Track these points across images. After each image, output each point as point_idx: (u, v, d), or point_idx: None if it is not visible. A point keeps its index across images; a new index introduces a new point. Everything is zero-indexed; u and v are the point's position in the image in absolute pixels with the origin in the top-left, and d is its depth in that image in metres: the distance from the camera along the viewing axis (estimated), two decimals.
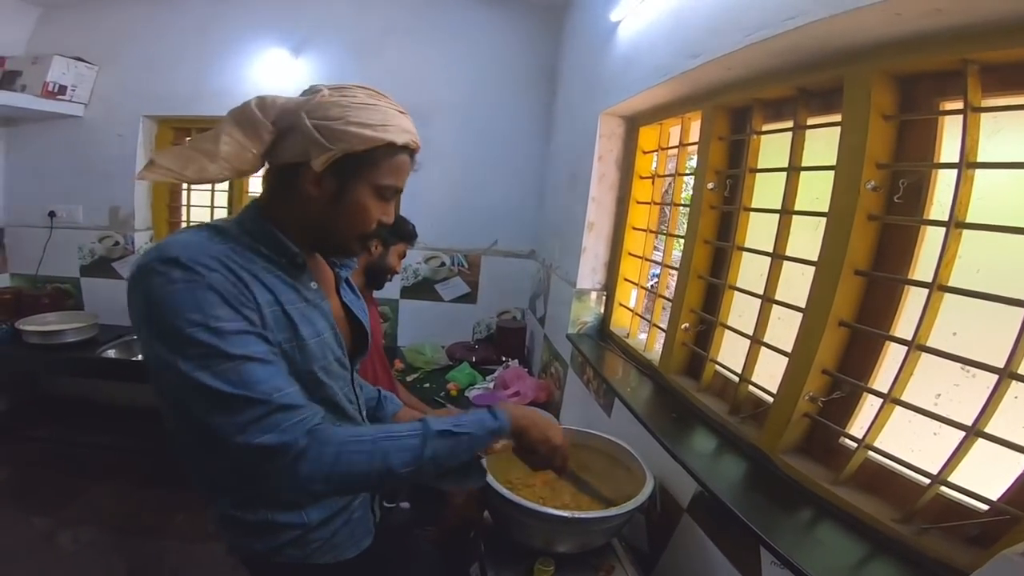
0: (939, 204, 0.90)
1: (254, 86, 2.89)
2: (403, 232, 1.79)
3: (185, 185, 3.16)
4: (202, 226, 0.85)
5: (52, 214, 2.99)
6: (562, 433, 0.97)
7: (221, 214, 3.16)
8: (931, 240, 0.91)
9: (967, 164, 0.82)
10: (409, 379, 2.56)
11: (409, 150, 0.91)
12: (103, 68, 2.90)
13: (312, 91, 0.85)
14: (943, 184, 0.89)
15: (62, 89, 2.75)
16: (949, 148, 0.89)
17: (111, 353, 2.84)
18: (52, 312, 2.91)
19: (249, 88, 2.88)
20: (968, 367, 0.81)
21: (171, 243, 0.76)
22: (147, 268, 0.73)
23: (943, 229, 0.84)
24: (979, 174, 0.82)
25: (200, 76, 2.89)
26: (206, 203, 3.16)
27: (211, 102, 2.90)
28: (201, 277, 0.73)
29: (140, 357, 2.97)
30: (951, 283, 0.84)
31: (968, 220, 0.83)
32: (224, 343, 0.72)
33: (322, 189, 0.84)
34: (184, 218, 3.22)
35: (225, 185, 3.12)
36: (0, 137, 2.96)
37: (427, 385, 2.49)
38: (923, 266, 0.92)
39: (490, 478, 1.10)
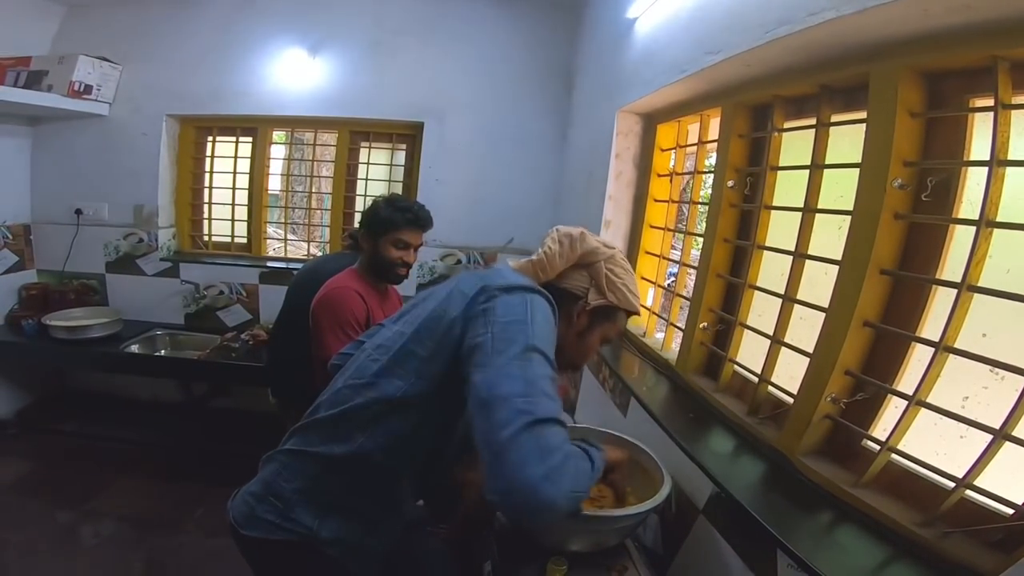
0: (969, 202, 0.88)
1: (273, 85, 2.93)
2: (383, 221, 1.71)
3: (206, 183, 3.21)
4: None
5: (78, 212, 3.06)
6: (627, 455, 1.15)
7: (241, 212, 3.21)
8: (960, 239, 0.89)
9: (998, 162, 0.80)
10: None
11: (633, 316, 1.11)
12: (127, 68, 2.97)
13: (611, 248, 1.06)
14: (972, 182, 0.87)
15: (87, 88, 2.81)
16: (979, 146, 0.87)
17: (135, 348, 2.90)
18: (78, 308, 2.98)
19: (268, 87, 2.92)
20: (997, 369, 0.79)
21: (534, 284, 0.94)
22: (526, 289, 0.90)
23: (972, 228, 0.82)
24: (1010, 172, 0.80)
25: (221, 75, 2.94)
26: (227, 201, 3.20)
27: (232, 101, 2.96)
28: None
29: (162, 352, 3.03)
30: (981, 283, 0.82)
31: (999, 219, 0.81)
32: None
33: (579, 321, 1.04)
34: (206, 216, 3.27)
35: (244, 183, 3.16)
36: (27, 136, 3.04)
37: None
38: (951, 266, 0.90)
39: None
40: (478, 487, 1.29)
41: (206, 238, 3.31)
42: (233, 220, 3.23)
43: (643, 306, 1.13)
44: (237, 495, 1.04)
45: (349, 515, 0.97)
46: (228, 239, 3.28)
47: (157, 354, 3.02)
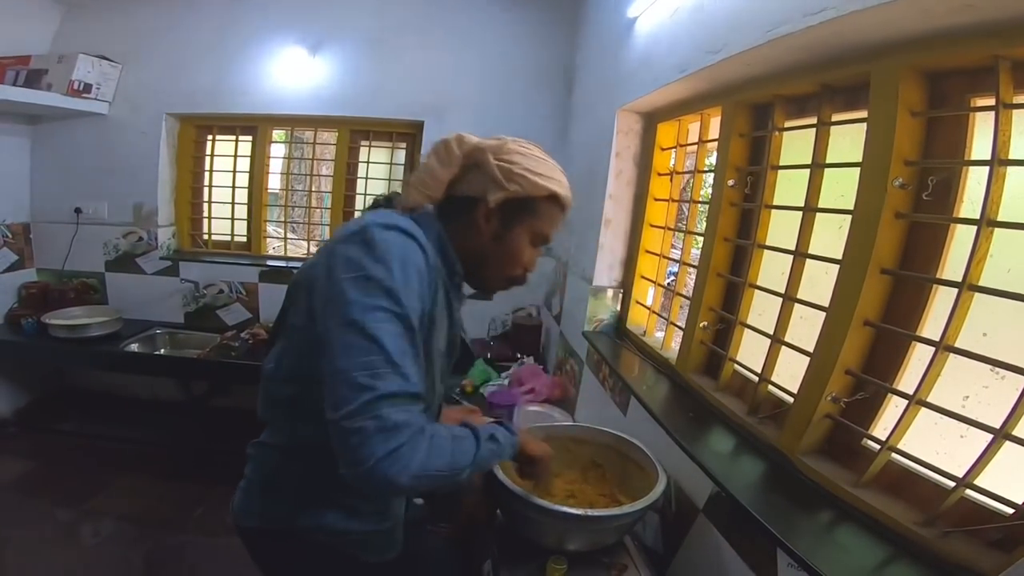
0: (970, 202, 0.88)
1: (273, 84, 2.93)
2: None
3: (206, 182, 3.21)
4: (392, 213, 0.90)
5: (78, 210, 3.06)
6: (548, 451, 1.10)
7: (240, 211, 3.20)
8: (960, 239, 0.89)
9: (999, 161, 0.80)
10: None
11: (563, 205, 0.98)
12: (127, 66, 2.96)
13: (499, 139, 0.94)
14: (973, 182, 0.87)
15: (87, 87, 2.81)
16: (980, 145, 0.87)
17: (134, 347, 2.90)
18: (77, 306, 2.98)
19: (268, 86, 2.92)
20: (998, 369, 0.79)
21: (395, 216, 0.84)
22: (382, 226, 0.80)
23: (973, 228, 0.82)
24: (1011, 172, 0.80)
25: (221, 74, 2.94)
26: (227, 199, 3.20)
27: (232, 100, 2.95)
28: (424, 256, 0.82)
29: (162, 351, 3.03)
30: (981, 283, 0.82)
31: (1000, 219, 0.81)
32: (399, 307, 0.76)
33: (489, 225, 0.93)
34: (206, 214, 3.27)
35: (244, 181, 3.16)
36: (26, 135, 3.04)
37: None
38: (952, 265, 0.90)
39: (503, 477, 1.11)
40: (476, 486, 1.30)
41: (206, 237, 3.31)
42: (233, 219, 3.23)
43: (563, 189, 0.95)
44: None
45: (322, 501, 0.95)
46: (228, 238, 3.28)
47: (157, 353, 3.02)
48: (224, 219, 3.24)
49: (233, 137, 3.16)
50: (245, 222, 3.25)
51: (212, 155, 3.19)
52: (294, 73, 2.90)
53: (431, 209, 0.96)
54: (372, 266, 0.76)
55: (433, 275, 0.84)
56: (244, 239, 3.28)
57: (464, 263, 0.96)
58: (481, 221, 0.92)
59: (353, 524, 0.96)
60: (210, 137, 3.18)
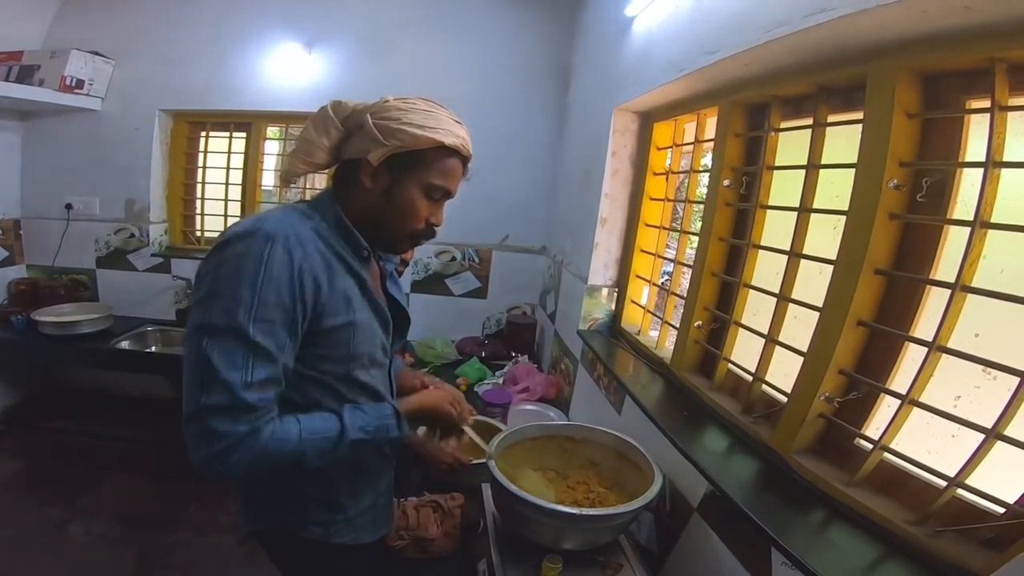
0: (963, 203, 0.89)
1: (268, 80, 2.91)
2: None
3: (199, 179, 3.19)
4: (288, 207, 0.93)
5: (69, 206, 3.04)
6: (449, 398, 1.12)
7: (234, 207, 3.18)
8: (954, 240, 0.89)
9: (993, 163, 0.80)
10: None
11: (460, 155, 0.97)
12: (120, 62, 2.94)
13: (381, 100, 0.94)
14: (968, 183, 0.88)
15: (79, 83, 2.79)
16: (975, 147, 0.88)
17: (125, 344, 2.88)
18: (68, 303, 2.96)
19: (263, 82, 2.90)
20: (989, 369, 0.80)
21: (267, 218, 0.84)
22: (242, 235, 0.81)
23: (967, 229, 0.83)
24: (1005, 173, 0.81)
25: (215, 70, 2.91)
26: (220, 196, 3.17)
27: (226, 96, 2.93)
28: (287, 257, 0.81)
29: (153, 349, 3.01)
30: (974, 284, 0.83)
31: (993, 220, 0.81)
32: (255, 326, 0.78)
33: (377, 183, 0.93)
34: (199, 211, 3.24)
35: (238, 178, 3.14)
36: (18, 131, 3.01)
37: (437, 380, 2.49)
38: (945, 266, 0.91)
39: (499, 474, 1.11)
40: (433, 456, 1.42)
41: (198, 233, 3.28)
42: (226, 216, 3.20)
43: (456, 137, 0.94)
44: None
45: (300, 496, 1.00)
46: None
47: (148, 350, 2.99)
48: (217, 216, 3.22)
49: (227, 134, 3.13)
50: (238, 219, 3.21)
51: (206, 151, 3.16)
52: (289, 70, 2.88)
53: (328, 190, 0.99)
54: (213, 284, 0.79)
55: (314, 265, 0.85)
56: None
57: (363, 226, 0.96)
58: (367, 180, 0.92)
59: (335, 512, 1.02)
60: (204, 133, 3.15)
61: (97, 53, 2.83)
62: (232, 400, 0.77)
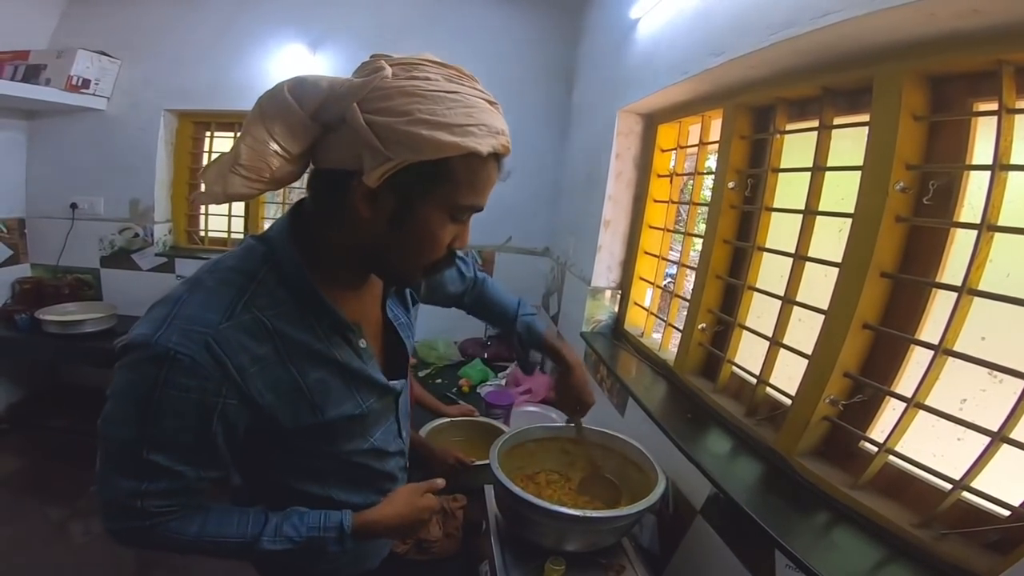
0: (970, 206, 0.88)
1: (273, 81, 2.86)
2: None
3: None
4: (250, 249, 0.71)
5: (74, 206, 3.04)
6: (412, 516, 0.87)
7: (237, 207, 3.19)
8: (961, 243, 0.89)
9: (1001, 166, 0.80)
10: (421, 374, 2.57)
11: (497, 157, 0.68)
12: (125, 62, 2.94)
13: (371, 69, 0.61)
14: (974, 186, 0.88)
15: (85, 83, 2.79)
16: (982, 150, 0.87)
17: None
18: (72, 302, 2.96)
19: (268, 83, 2.88)
20: (995, 372, 0.80)
21: (179, 312, 0.63)
22: (144, 355, 0.62)
23: (973, 232, 0.83)
24: (1012, 176, 0.81)
25: (220, 70, 2.92)
26: None
27: (231, 96, 2.94)
28: (189, 384, 0.62)
29: None
30: (981, 287, 0.83)
31: (1000, 223, 0.81)
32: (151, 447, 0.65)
33: (376, 209, 0.64)
34: (203, 211, 3.25)
35: None
36: (23, 130, 3.01)
37: (439, 381, 2.50)
38: (952, 269, 0.91)
39: (502, 476, 1.10)
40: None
41: (202, 233, 3.29)
42: (230, 215, 3.21)
43: (495, 137, 0.64)
44: None
45: None
46: (225, 234, 3.26)
47: None
48: (221, 215, 3.22)
49: (232, 134, 3.14)
50: (242, 219, 3.23)
51: (210, 151, 3.16)
52: (294, 71, 2.86)
53: (284, 223, 0.72)
54: (113, 387, 0.65)
55: (250, 378, 0.65)
56: (241, 236, 3.25)
57: (358, 258, 0.72)
58: (362, 207, 0.64)
59: (343, 551, 0.85)
60: (208, 134, 3.16)
61: (103, 53, 2.84)
62: (125, 503, 0.67)
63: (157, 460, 0.64)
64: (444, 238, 0.70)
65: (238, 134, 0.65)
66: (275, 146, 0.63)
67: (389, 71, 0.60)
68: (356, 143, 0.61)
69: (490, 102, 0.66)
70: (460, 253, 0.75)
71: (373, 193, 0.63)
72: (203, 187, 0.65)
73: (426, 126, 0.59)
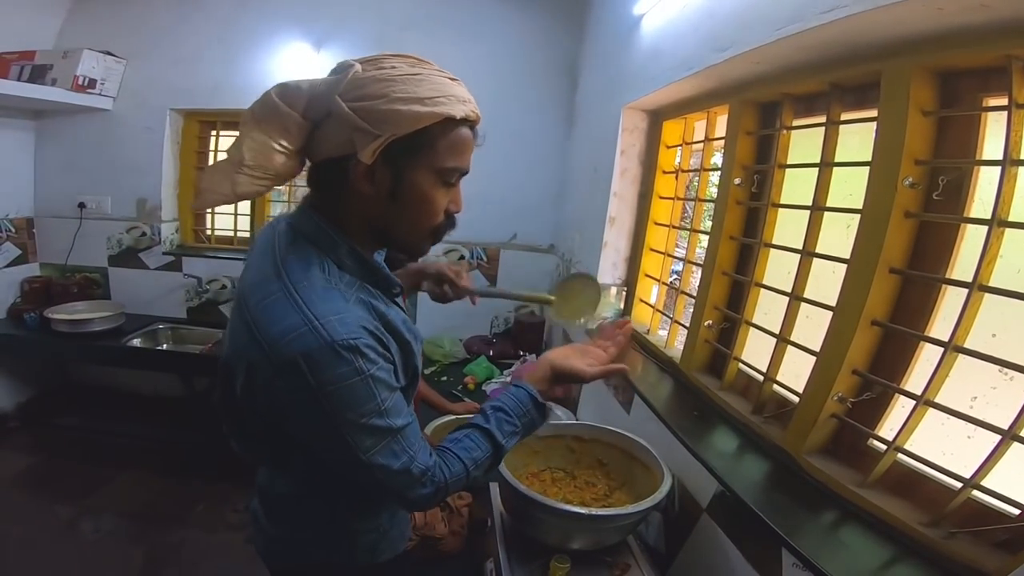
0: (980, 202, 0.87)
1: (277, 80, 2.90)
2: None
3: None
4: (308, 259, 0.76)
5: (82, 205, 3.07)
6: (576, 356, 1.01)
7: (243, 206, 3.20)
8: (971, 239, 0.88)
9: (1011, 161, 0.79)
10: (427, 372, 2.57)
11: (469, 122, 0.78)
12: (131, 62, 2.96)
13: (342, 68, 0.72)
14: (985, 182, 0.87)
15: (92, 83, 2.81)
16: (992, 145, 0.86)
17: (136, 342, 2.90)
18: (80, 301, 2.98)
19: (273, 81, 2.88)
20: (1006, 369, 0.79)
21: (329, 322, 0.69)
22: (321, 353, 0.67)
23: (983, 228, 0.82)
24: (1022, 172, 0.80)
25: (225, 69, 2.94)
26: None
27: (236, 95, 2.94)
28: (372, 364, 0.71)
29: (164, 346, 3.02)
30: (991, 283, 0.82)
31: (1011, 219, 0.80)
32: (392, 419, 0.74)
33: (376, 184, 0.74)
34: (209, 210, 3.26)
35: None
36: (31, 130, 3.04)
37: (444, 378, 2.50)
38: (962, 265, 0.90)
39: (507, 474, 1.11)
40: None
41: (209, 232, 3.30)
42: (236, 214, 3.23)
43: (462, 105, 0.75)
44: None
45: (350, 533, 0.95)
46: (231, 233, 3.28)
47: (159, 348, 3.02)
48: (227, 214, 3.24)
49: (237, 133, 3.15)
50: (248, 217, 3.25)
51: (216, 150, 3.18)
52: (299, 69, 2.89)
53: (311, 212, 0.80)
54: (329, 410, 0.70)
55: (379, 342, 0.74)
56: (247, 234, 3.28)
57: (370, 235, 0.81)
58: (363, 184, 0.73)
59: (379, 534, 0.97)
60: (214, 132, 3.18)
61: (109, 53, 2.86)
62: (409, 477, 0.76)
63: (397, 425, 0.74)
64: (439, 201, 0.79)
65: (235, 140, 0.75)
66: (275, 144, 0.73)
67: (359, 67, 0.71)
68: (346, 129, 0.70)
69: (451, 79, 0.76)
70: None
71: (370, 170, 0.72)
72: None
73: (402, 102, 0.69)
